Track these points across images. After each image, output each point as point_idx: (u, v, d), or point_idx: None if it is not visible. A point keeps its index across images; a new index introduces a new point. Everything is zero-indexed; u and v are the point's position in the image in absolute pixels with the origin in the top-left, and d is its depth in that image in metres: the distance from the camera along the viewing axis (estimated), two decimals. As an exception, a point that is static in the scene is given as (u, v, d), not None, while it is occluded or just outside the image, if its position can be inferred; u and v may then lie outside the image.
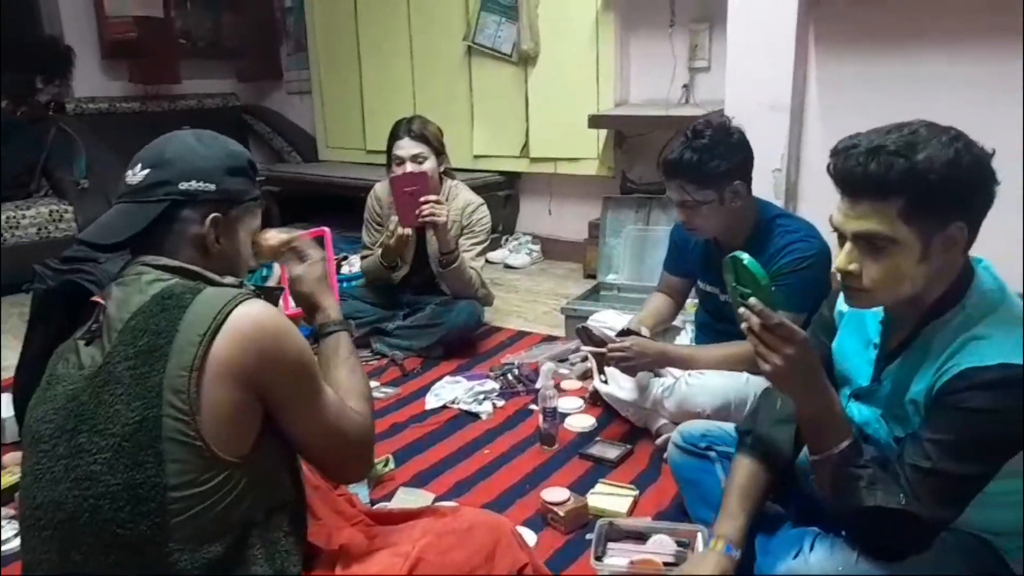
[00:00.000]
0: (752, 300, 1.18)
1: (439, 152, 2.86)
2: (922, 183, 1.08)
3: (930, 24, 2.91)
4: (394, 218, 2.79)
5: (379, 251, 2.92)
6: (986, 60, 2.84)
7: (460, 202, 2.94)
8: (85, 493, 0.96)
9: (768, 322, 1.16)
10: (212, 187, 1.11)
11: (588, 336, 2.17)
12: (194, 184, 1.10)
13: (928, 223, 1.11)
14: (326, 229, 1.48)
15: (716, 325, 2.21)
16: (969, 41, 2.87)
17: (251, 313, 1.01)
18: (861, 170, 1.11)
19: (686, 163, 1.92)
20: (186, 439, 0.96)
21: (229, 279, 1.13)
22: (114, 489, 0.95)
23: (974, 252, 1.21)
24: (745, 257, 1.22)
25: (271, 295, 1.20)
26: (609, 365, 2.12)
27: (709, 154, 1.91)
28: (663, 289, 2.40)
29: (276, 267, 1.36)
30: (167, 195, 1.09)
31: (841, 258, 1.18)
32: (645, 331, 2.18)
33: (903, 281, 1.15)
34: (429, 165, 2.80)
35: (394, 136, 2.85)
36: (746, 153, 1.98)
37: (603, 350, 2.09)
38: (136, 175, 1.10)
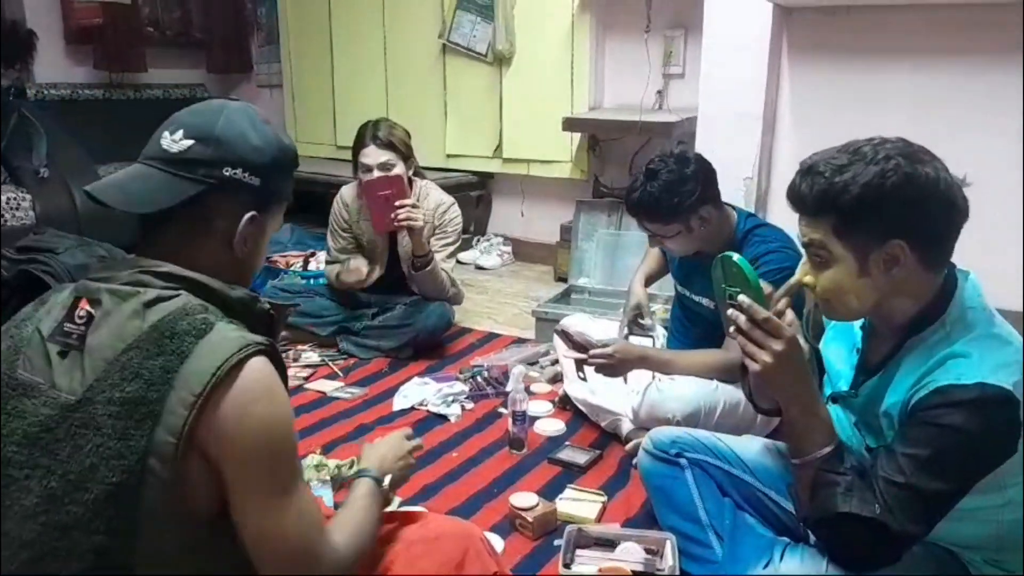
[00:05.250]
0: (741, 297, 1.18)
1: (407, 157, 2.80)
2: (843, 202, 1.13)
3: (896, 41, 2.98)
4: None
5: (341, 267, 2.90)
6: (946, 75, 2.92)
7: (432, 202, 2.91)
8: (56, 544, 0.88)
9: (756, 317, 1.16)
10: (257, 181, 0.99)
11: (569, 339, 2.16)
12: (239, 173, 0.97)
13: (860, 240, 1.15)
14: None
15: (688, 325, 2.24)
16: (931, 58, 2.94)
17: (249, 380, 0.89)
18: (795, 189, 1.20)
19: (646, 205, 1.96)
20: (166, 507, 0.87)
21: (238, 291, 1.00)
22: (84, 547, 0.87)
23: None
24: (735, 256, 1.23)
25: (281, 313, 1.08)
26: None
27: (668, 194, 1.93)
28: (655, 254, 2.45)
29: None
30: (207, 177, 0.96)
31: (799, 269, 1.24)
32: (644, 300, 2.26)
33: (846, 294, 1.19)
34: (398, 171, 2.75)
35: (359, 143, 2.77)
36: (706, 181, 1.99)
37: (584, 356, 2.10)
38: (176, 142, 0.96)
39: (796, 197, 1.20)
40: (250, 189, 0.99)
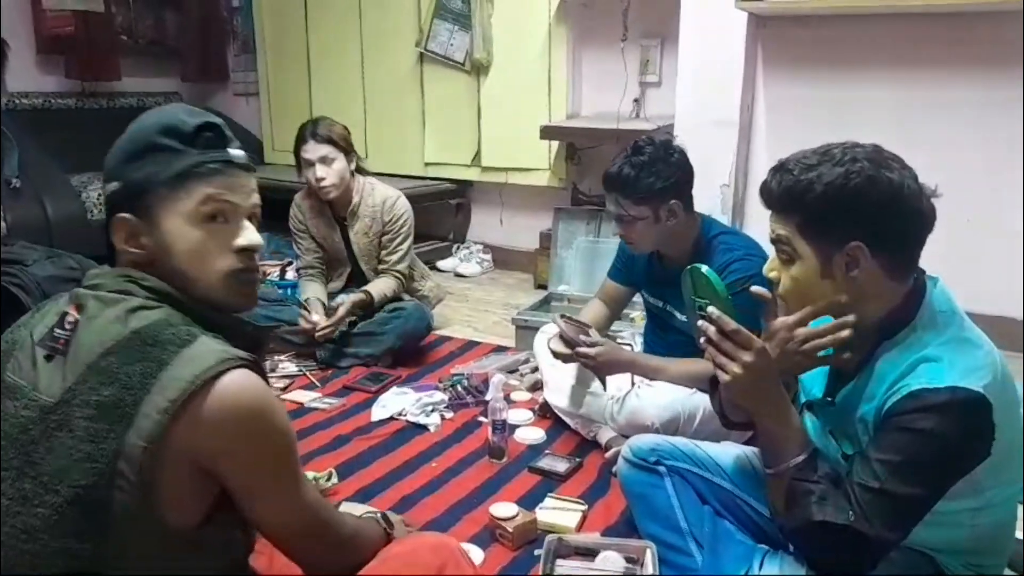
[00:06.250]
0: (710, 309, 1.19)
1: (347, 151, 2.82)
2: (807, 200, 1.15)
3: (868, 49, 3.03)
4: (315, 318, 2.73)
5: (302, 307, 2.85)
6: (918, 84, 2.97)
7: (377, 197, 2.91)
8: (23, 547, 0.87)
9: (725, 328, 1.17)
10: (118, 185, 0.98)
11: (567, 324, 2.13)
12: (109, 187, 0.99)
13: (823, 240, 1.17)
14: None
15: (664, 336, 2.24)
16: (903, 67, 2.99)
17: (240, 388, 0.89)
18: (766, 185, 1.23)
19: (623, 178, 1.96)
20: (135, 514, 0.86)
21: (224, 316, 1.01)
22: (52, 550, 0.86)
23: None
24: (704, 268, 1.24)
25: (266, 336, 1.10)
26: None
27: (646, 171, 1.94)
28: (602, 297, 2.41)
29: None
30: (105, 206, 1.00)
31: (767, 264, 1.26)
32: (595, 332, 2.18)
33: (809, 294, 1.20)
34: (338, 165, 2.77)
35: (300, 139, 2.80)
36: (684, 173, 2.00)
37: (570, 352, 2.08)
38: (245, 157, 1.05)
39: (766, 193, 1.22)
40: (116, 195, 1.02)
